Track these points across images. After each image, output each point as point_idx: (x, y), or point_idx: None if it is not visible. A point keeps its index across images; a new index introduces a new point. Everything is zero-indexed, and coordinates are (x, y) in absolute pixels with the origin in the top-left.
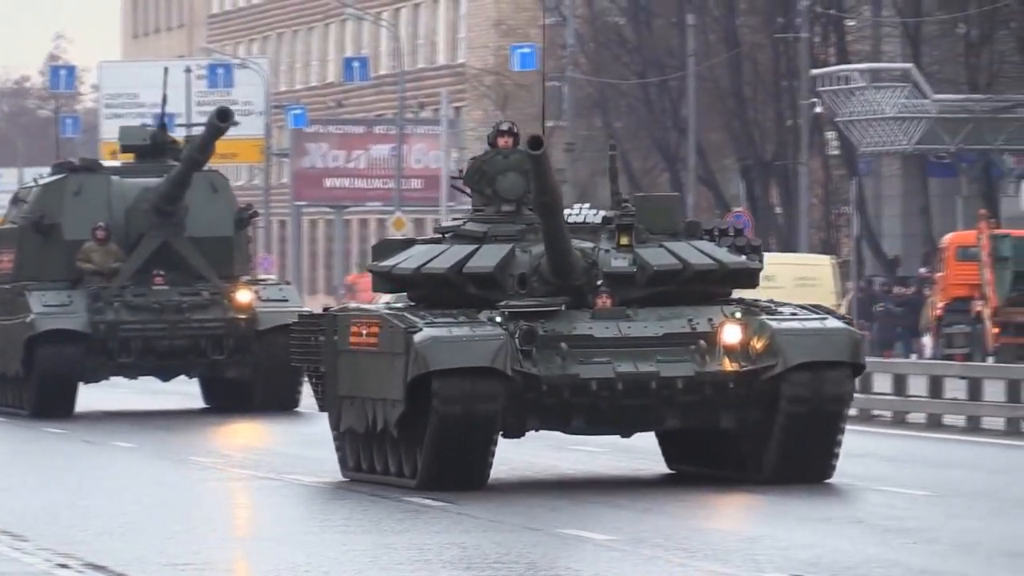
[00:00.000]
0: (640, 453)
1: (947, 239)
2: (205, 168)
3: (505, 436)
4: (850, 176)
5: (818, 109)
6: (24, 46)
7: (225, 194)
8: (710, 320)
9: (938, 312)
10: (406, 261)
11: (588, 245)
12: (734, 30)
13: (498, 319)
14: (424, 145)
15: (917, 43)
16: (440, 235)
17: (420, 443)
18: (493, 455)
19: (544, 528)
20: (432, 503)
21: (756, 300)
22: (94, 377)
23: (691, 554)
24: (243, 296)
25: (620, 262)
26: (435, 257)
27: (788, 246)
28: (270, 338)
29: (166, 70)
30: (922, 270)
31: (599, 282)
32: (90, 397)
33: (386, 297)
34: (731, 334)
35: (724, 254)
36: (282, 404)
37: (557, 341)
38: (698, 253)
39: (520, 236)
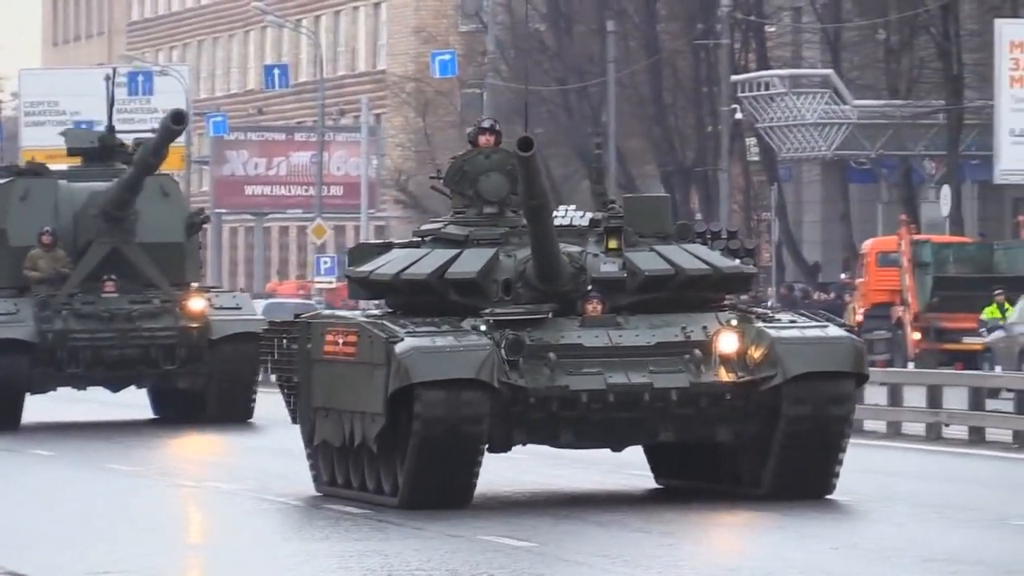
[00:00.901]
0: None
1: (867, 245)
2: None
3: (491, 451)
4: (770, 182)
5: (738, 115)
6: None
7: (176, 199)
8: (704, 328)
9: (859, 318)
10: (384, 266)
11: (575, 249)
12: (654, 36)
13: (483, 328)
14: (344, 152)
15: (837, 49)
16: (420, 238)
17: (401, 458)
18: (479, 470)
19: (466, 535)
20: (353, 510)
21: (751, 306)
22: (41, 388)
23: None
24: (196, 304)
25: (609, 267)
26: (415, 262)
27: None
28: (223, 347)
29: (107, 77)
30: (843, 276)
31: (588, 288)
32: (37, 408)
33: None
34: (727, 343)
35: (718, 258)
36: (236, 415)
37: (545, 351)
38: (691, 257)
39: (504, 239)
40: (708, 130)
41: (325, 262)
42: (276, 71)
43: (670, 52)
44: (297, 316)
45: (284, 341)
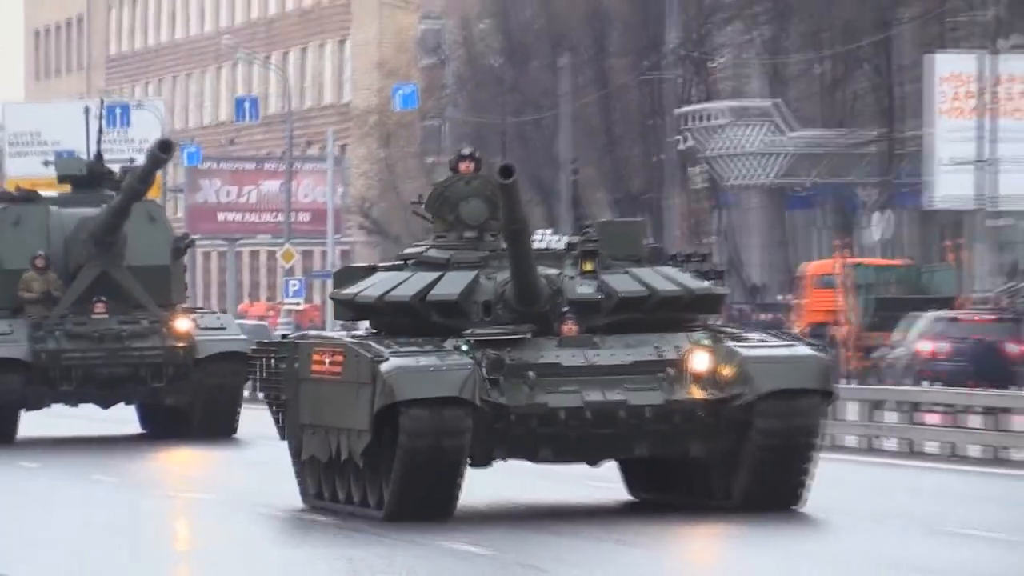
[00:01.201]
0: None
1: (806, 268)
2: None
3: (472, 466)
4: (714, 209)
5: (683, 145)
6: None
7: (162, 223)
8: (677, 347)
9: None
10: (369, 289)
11: (552, 271)
12: (604, 71)
13: (464, 348)
14: (311, 181)
15: (777, 82)
16: (403, 262)
17: (386, 473)
18: (461, 485)
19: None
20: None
21: (722, 326)
22: (35, 405)
23: None
24: (182, 324)
25: (585, 289)
26: (398, 285)
27: None
28: (208, 366)
29: (87, 110)
30: (782, 297)
31: (564, 309)
32: (31, 424)
33: None
34: (699, 362)
35: (689, 279)
36: (221, 431)
37: (524, 370)
38: (663, 279)
39: (484, 263)
40: (655, 160)
41: (293, 285)
42: (247, 104)
43: (619, 86)
44: (284, 337)
45: (272, 361)
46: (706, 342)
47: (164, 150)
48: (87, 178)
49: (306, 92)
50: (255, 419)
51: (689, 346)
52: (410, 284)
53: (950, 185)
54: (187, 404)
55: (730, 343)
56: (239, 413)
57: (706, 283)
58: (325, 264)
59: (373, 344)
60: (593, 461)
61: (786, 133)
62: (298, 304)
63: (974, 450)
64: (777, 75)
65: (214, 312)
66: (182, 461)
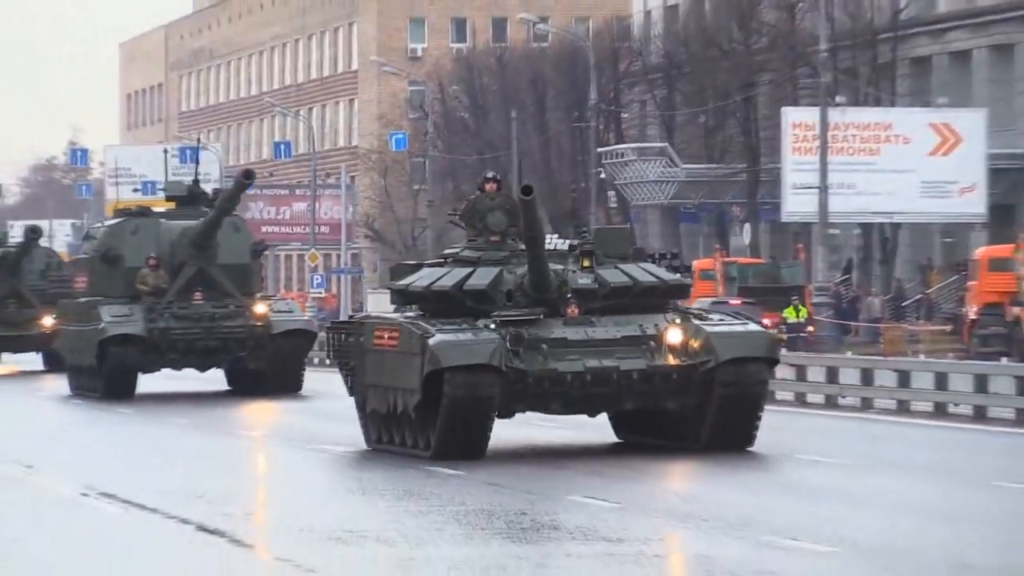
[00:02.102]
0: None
1: (695, 264)
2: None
3: (499, 417)
4: (624, 222)
5: (602, 176)
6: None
7: (244, 232)
8: (656, 325)
9: None
10: (418, 280)
11: (559, 267)
12: (544, 121)
13: (492, 326)
14: (330, 202)
15: (671, 128)
16: (443, 260)
17: (433, 423)
18: (491, 431)
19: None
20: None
21: (688, 308)
22: (150, 369)
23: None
24: (259, 308)
25: (585, 280)
26: (441, 277)
27: None
28: (280, 339)
29: (165, 151)
30: None
31: (568, 296)
32: (145, 383)
33: None
34: (674, 336)
35: (664, 273)
36: (289, 388)
37: (539, 343)
38: (644, 272)
39: (506, 260)
40: (582, 186)
41: (317, 279)
42: (282, 146)
43: (555, 132)
44: (351, 318)
45: (343, 335)
46: (678, 321)
47: (247, 177)
48: (188, 198)
49: (325, 138)
50: (315, 379)
51: (665, 324)
52: (450, 277)
53: (797, 204)
54: (264, 368)
55: (696, 322)
56: (303, 374)
57: (677, 275)
58: (340, 263)
59: (422, 323)
60: (592, 413)
61: (676, 166)
62: (320, 293)
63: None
64: (669, 124)
65: (284, 299)
66: (261, 410)
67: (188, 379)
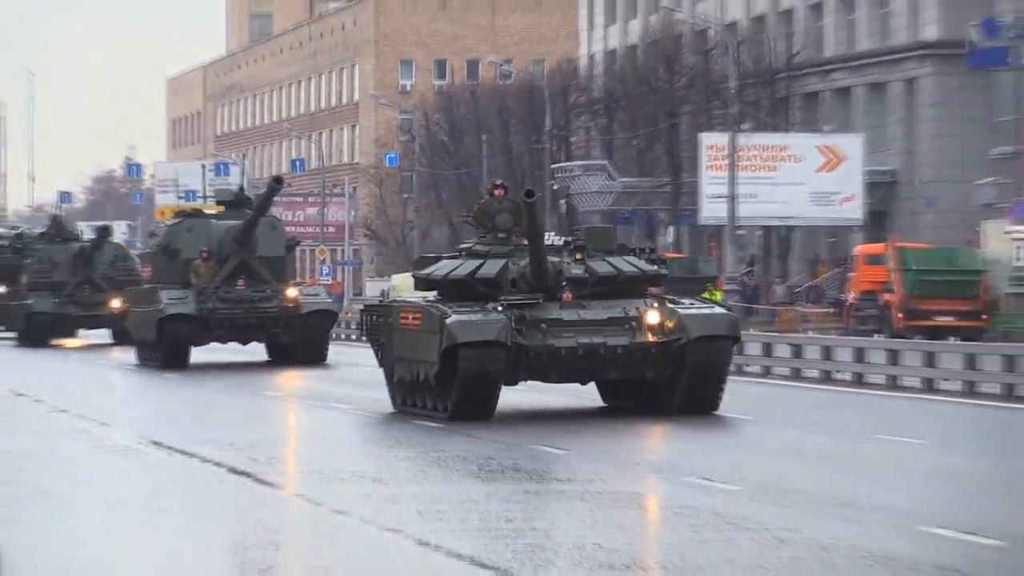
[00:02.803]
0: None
1: None
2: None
3: (505, 384)
4: (571, 224)
5: (555, 187)
6: (107, 151)
7: (279, 230)
8: (637, 308)
9: None
10: (437, 270)
11: (555, 259)
12: (509, 143)
13: (499, 309)
14: (336, 208)
15: (610, 149)
16: (458, 253)
17: (449, 389)
18: (498, 397)
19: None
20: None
21: (663, 295)
22: (200, 343)
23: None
24: (292, 293)
25: (577, 270)
26: (456, 268)
27: None
28: (309, 318)
29: (203, 166)
30: None
31: (563, 284)
32: (197, 355)
33: None
34: (652, 317)
35: (644, 264)
36: (317, 359)
37: (539, 323)
38: (628, 264)
39: (511, 254)
40: (539, 194)
41: (325, 269)
42: (297, 162)
43: (518, 151)
44: (380, 302)
45: (374, 316)
46: (656, 305)
47: (277, 182)
48: (234, 202)
49: (332, 156)
50: (337, 352)
51: (645, 307)
52: (464, 267)
53: (712, 210)
54: (295, 342)
55: (670, 306)
56: (328, 347)
57: (654, 267)
58: (343, 257)
59: (440, 306)
60: (583, 381)
61: (614, 180)
62: (328, 281)
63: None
64: (608, 146)
65: (312, 285)
66: (289, 376)
67: (232, 351)
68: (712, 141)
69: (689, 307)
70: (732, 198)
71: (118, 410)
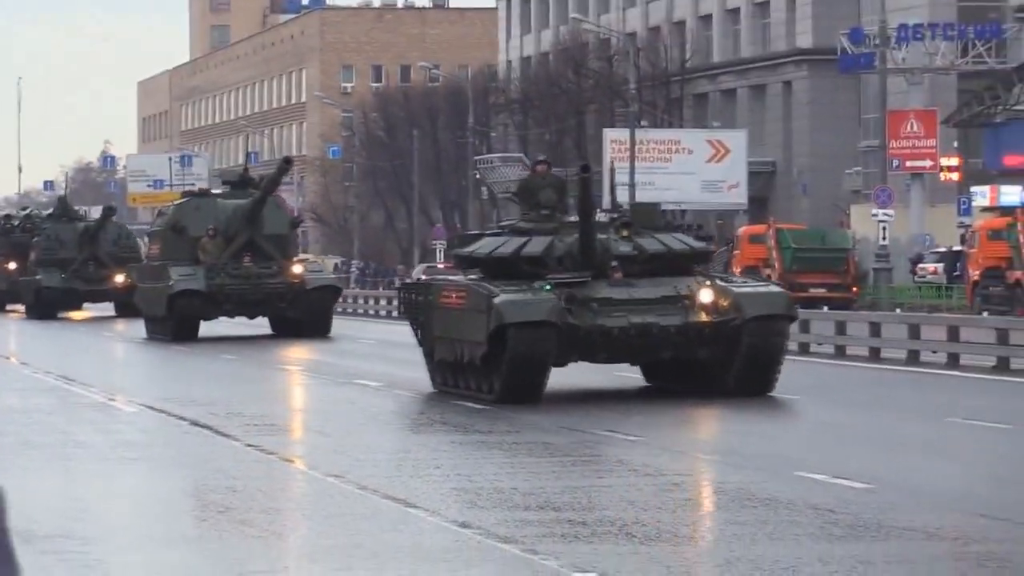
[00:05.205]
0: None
1: None
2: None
3: (555, 365)
4: (493, 209)
5: (478, 176)
6: (86, 145)
7: (284, 209)
8: (688, 286)
9: None
10: (480, 248)
11: (603, 236)
12: (437, 139)
13: (547, 287)
14: (287, 194)
15: (526, 143)
16: (500, 230)
17: (496, 370)
18: (547, 378)
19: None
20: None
21: (711, 271)
22: (209, 316)
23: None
24: (296, 269)
25: (625, 247)
26: (500, 245)
27: None
28: (313, 293)
29: (170, 159)
30: None
31: (612, 261)
32: (206, 328)
33: None
34: (706, 296)
35: (692, 241)
36: (321, 332)
37: (589, 302)
38: (676, 241)
39: (555, 231)
40: (463, 183)
41: None
42: (252, 155)
43: (444, 145)
44: (417, 280)
45: (413, 295)
46: (708, 283)
47: (287, 163)
48: (239, 182)
49: (282, 149)
50: (341, 326)
51: (697, 285)
52: (508, 245)
53: (618, 196)
54: (300, 316)
55: (722, 283)
56: (331, 321)
57: (703, 243)
58: None
59: (486, 285)
60: (634, 362)
61: (529, 170)
62: None
63: None
64: (524, 140)
65: (316, 261)
66: (309, 350)
67: (240, 325)
68: (615, 136)
69: (743, 285)
70: (632, 185)
71: (130, 379)
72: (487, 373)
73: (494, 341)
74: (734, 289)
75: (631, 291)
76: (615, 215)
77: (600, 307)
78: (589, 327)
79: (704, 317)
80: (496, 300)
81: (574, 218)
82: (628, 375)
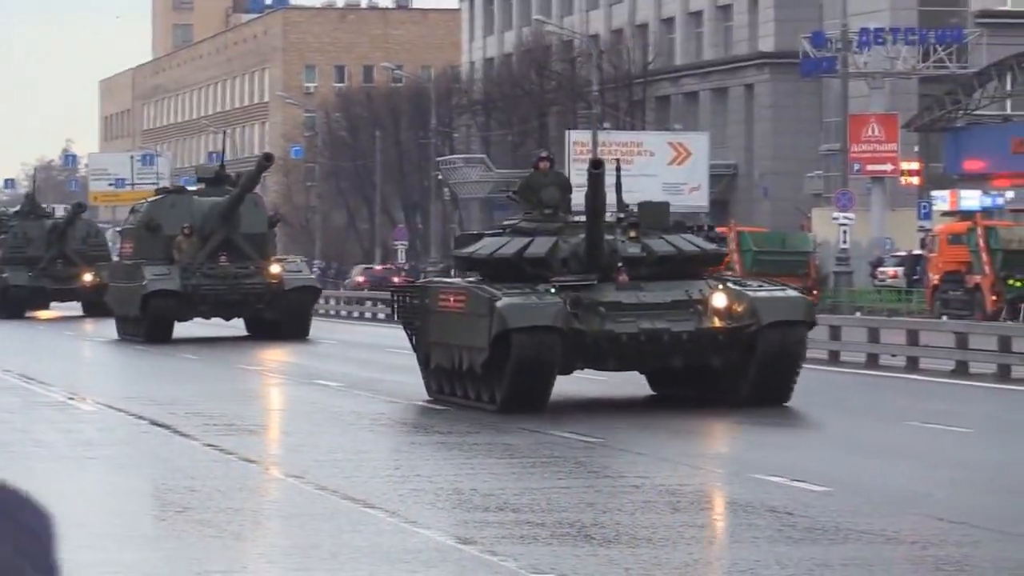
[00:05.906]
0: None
1: None
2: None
3: (560, 373)
4: (455, 210)
5: (440, 177)
6: (47, 143)
7: (261, 207)
8: (700, 290)
9: None
10: (481, 249)
11: (609, 237)
12: (399, 139)
13: (552, 290)
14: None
15: (488, 144)
16: (502, 231)
17: (498, 378)
18: (552, 386)
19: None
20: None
21: (723, 275)
22: (184, 318)
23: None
24: (274, 268)
25: (633, 249)
26: (502, 246)
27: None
28: (291, 294)
29: (132, 157)
30: None
31: (619, 263)
32: (180, 329)
33: None
34: (719, 300)
35: (703, 242)
36: (298, 334)
37: (596, 306)
38: (686, 242)
39: (559, 231)
40: (425, 184)
41: None
42: (214, 155)
43: (407, 146)
44: (411, 282)
45: (407, 298)
46: (721, 287)
47: (267, 160)
48: (215, 179)
49: (245, 148)
50: (318, 327)
51: (710, 289)
52: (510, 246)
53: (578, 197)
54: (278, 317)
55: (735, 287)
56: (310, 323)
57: (714, 245)
58: None
59: (487, 287)
60: (643, 370)
61: (492, 171)
62: None
63: None
64: (487, 141)
65: (294, 260)
66: (275, 351)
67: (215, 326)
68: (577, 138)
69: (758, 289)
70: None
71: (99, 381)
72: (488, 381)
73: (496, 346)
74: (749, 293)
75: (640, 295)
76: (622, 215)
77: (608, 312)
78: (596, 333)
79: (718, 323)
80: (498, 304)
81: (579, 217)
82: (597, 377)
